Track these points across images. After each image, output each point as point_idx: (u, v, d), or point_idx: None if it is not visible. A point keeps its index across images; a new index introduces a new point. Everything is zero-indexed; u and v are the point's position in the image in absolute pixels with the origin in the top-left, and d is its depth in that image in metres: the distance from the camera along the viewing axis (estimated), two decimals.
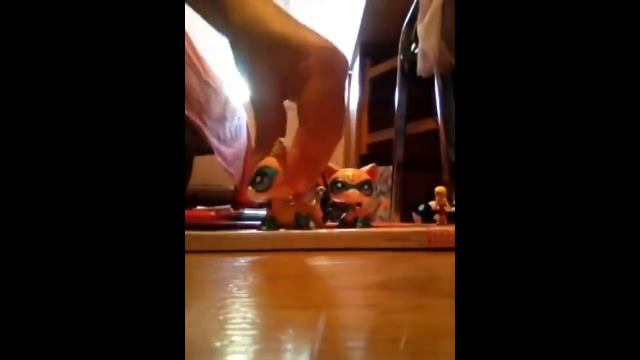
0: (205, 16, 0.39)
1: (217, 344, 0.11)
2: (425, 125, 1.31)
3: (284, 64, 0.33)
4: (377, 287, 0.20)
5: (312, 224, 0.36)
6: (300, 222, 0.36)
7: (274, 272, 0.25)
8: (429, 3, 1.05)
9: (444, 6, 1.00)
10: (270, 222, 0.35)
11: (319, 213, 0.39)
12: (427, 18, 1.04)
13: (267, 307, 0.16)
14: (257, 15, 0.34)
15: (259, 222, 0.37)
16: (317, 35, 0.34)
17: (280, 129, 0.36)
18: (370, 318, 0.14)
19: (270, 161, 0.34)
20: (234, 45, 0.36)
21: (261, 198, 0.35)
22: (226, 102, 0.98)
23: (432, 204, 0.50)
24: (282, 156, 0.34)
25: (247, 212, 0.53)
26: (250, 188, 0.35)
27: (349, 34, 1.85)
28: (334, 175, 0.42)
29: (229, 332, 0.13)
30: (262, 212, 0.38)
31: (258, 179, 0.34)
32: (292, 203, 0.36)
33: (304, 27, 0.34)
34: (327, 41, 0.33)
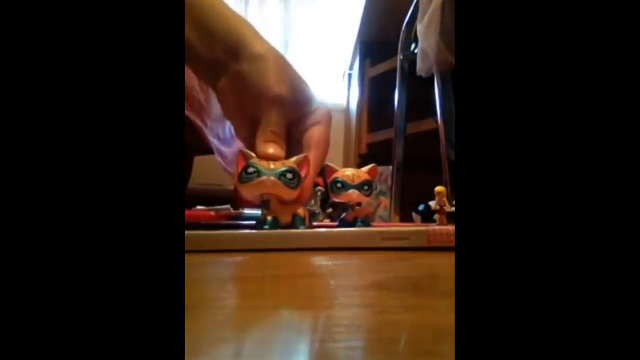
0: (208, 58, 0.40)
1: (217, 344, 0.11)
2: (425, 125, 1.31)
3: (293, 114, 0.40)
4: (377, 287, 0.20)
5: (302, 225, 0.37)
6: (297, 222, 0.36)
7: (274, 272, 0.25)
8: (429, 3, 1.05)
9: (443, 6, 1.00)
10: (272, 222, 0.35)
11: (307, 214, 0.39)
12: (427, 18, 1.04)
13: (267, 307, 0.16)
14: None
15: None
16: (311, 90, 0.43)
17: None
18: (369, 318, 0.14)
19: (294, 164, 0.36)
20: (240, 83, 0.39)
21: (291, 195, 0.36)
22: None
23: (432, 204, 0.50)
24: (304, 165, 0.37)
25: (247, 212, 0.53)
26: (277, 180, 0.34)
27: (349, 34, 1.85)
28: (334, 176, 0.42)
29: (229, 332, 0.13)
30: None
31: (290, 176, 0.35)
32: (289, 204, 0.37)
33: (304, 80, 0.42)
34: (325, 103, 0.43)
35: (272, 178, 0.34)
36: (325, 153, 0.41)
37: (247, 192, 0.35)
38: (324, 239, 0.33)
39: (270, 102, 0.38)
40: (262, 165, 0.35)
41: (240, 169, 0.35)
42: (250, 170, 0.34)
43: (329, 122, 0.42)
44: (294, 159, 0.36)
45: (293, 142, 0.41)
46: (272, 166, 0.35)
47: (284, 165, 0.35)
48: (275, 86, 0.38)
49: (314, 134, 0.41)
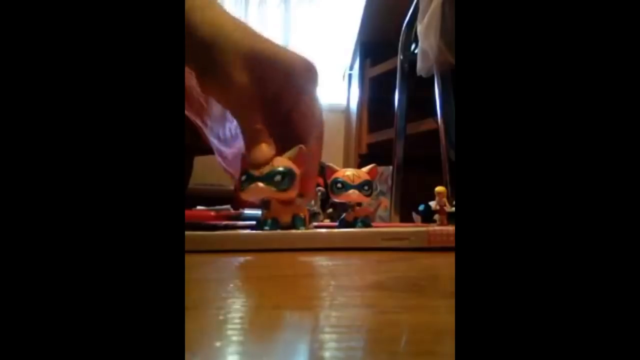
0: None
1: (217, 343, 0.11)
2: (425, 125, 1.31)
3: (275, 82, 0.36)
4: (377, 287, 0.20)
5: (302, 226, 0.37)
6: (297, 223, 0.36)
7: (274, 272, 0.25)
8: (429, 3, 1.05)
9: (443, 6, 1.00)
10: (272, 223, 0.35)
11: (307, 214, 0.39)
12: (427, 18, 1.04)
13: (267, 307, 0.16)
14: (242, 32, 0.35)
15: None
16: (289, 50, 0.37)
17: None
18: (369, 318, 0.14)
19: (287, 162, 0.35)
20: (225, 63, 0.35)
21: (285, 196, 0.35)
22: None
23: (432, 204, 0.50)
24: (300, 160, 0.35)
25: (247, 212, 0.53)
26: (265, 186, 0.33)
27: (349, 34, 1.85)
28: (334, 176, 0.42)
29: (229, 332, 0.13)
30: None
31: (278, 178, 0.34)
32: (289, 205, 0.36)
33: (275, 43, 0.37)
34: (300, 55, 0.36)
35: (260, 184, 0.34)
36: (322, 135, 0.38)
37: (247, 198, 0.35)
38: (324, 239, 0.33)
39: (235, 93, 0.35)
40: (253, 171, 0.34)
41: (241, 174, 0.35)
42: (243, 178, 0.35)
43: (315, 88, 0.37)
44: (288, 153, 0.35)
45: (279, 118, 0.37)
46: (262, 170, 0.34)
47: (272, 167, 0.34)
48: (234, 71, 0.34)
49: (304, 113, 0.37)
